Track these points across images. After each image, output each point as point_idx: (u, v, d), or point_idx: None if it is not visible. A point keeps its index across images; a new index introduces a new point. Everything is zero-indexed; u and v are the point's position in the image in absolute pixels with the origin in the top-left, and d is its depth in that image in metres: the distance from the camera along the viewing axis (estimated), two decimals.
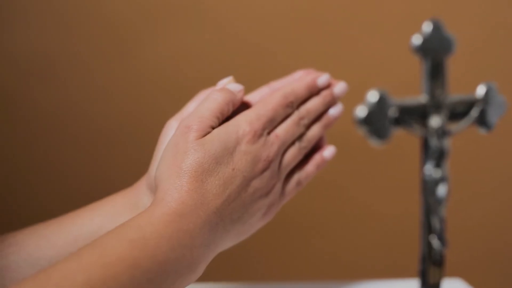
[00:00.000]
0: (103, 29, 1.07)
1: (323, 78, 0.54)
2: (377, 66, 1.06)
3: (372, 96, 0.31)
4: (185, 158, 0.46)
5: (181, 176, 0.46)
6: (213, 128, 0.48)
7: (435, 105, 0.32)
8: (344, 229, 1.18)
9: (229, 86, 0.52)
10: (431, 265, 0.34)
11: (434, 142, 0.32)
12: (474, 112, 0.33)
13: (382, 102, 0.31)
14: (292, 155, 0.51)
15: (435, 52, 0.32)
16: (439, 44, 0.32)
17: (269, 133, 0.49)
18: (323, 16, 1.06)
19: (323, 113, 0.54)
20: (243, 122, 0.48)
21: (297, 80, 0.54)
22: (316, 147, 0.55)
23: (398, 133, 0.33)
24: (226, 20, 1.06)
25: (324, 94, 0.54)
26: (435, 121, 0.32)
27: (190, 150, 0.46)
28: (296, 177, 0.53)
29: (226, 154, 0.47)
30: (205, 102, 0.49)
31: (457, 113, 0.33)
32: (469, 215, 1.19)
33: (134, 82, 1.06)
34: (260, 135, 0.48)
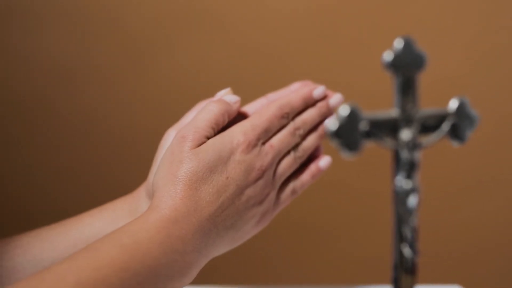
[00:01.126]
0: (121, 40, 1.10)
1: (319, 90, 0.55)
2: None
3: (343, 110, 0.33)
4: (180, 166, 0.48)
5: (176, 183, 0.48)
6: (208, 138, 0.50)
7: (405, 119, 0.34)
8: (354, 232, 1.19)
9: (225, 98, 0.54)
10: (403, 273, 0.35)
11: (404, 154, 0.34)
12: (445, 126, 0.35)
13: (352, 116, 0.33)
14: (287, 164, 0.53)
15: (406, 68, 0.33)
16: (410, 61, 0.33)
17: (264, 143, 0.51)
18: (338, 24, 1.08)
19: (319, 124, 0.56)
20: (238, 133, 0.50)
21: (294, 92, 0.56)
22: (313, 157, 0.57)
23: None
24: (241, 31, 1.08)
25: (320, 105, 0.56)
26: (405, 134, 0.33)
27: (185, 159, 0.48)
28: (291, 185, 0.55)
29: (220, 163, 0.48)
30: (201, 113, 0.51)
31: (428, 126, 0.35)
32: (468, 221, 1.19)
33: (150, 91, 1.09)
34: (255, 145, 0.50)
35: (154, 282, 0.44)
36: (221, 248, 0.51)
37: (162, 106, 1.10)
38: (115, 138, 1.12)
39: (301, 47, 1.08)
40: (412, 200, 0.34)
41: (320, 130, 0.56)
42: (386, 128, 0.34)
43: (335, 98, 0.56)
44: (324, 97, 0.56)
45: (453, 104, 0.35)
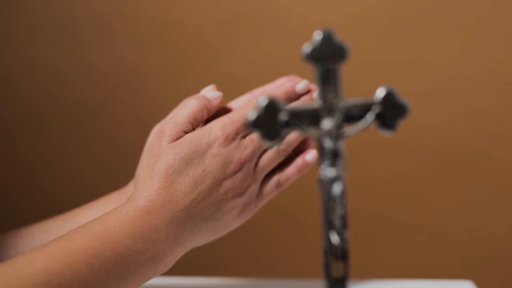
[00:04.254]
0: (181, 43, 1.16)
1: (302, 84, 0.57)
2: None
3: (262, 101, 0.34)
4: (158, 160, 0.51)
5: (153, 176, 0.51)
6: (186, 132, 0.53)
7: (327, 109, 0.35)
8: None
9: (207, 94, 0.56)
10: (333, 260, 0.36)
11: (327, 143, 0.34)
12: (370, 115, 0.35)
13: (271, 107, 0.34)
14: (269, 157, 0.54)
15: (326, 60, 0.34)
16: (330, 52, 0.34)
17: (244, 137, 0.53)
18: (388, 22, 1.10)
19: None
20: (216, 127, 0.52)
21: (277, 87, 0.57)
22: (301, 150, 0.58)
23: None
24: (297, 30, 1.11)
25: (304, 99, 0.57)
26: (326, 124, 0.34)
27: (162, 153, 0.51)
28: (276, 178, 0.56)
29: (196, 157, 0.51)
30: (180, 109, 0.54)
31: (353, 116, 0.35)
32: (481, 218, 1.16)
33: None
34: (233, 139, 0.52)
35: (123, 268, 0.47)
36: (201, 238, 0.53)
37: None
38: None
39: (360, 45, 1.10)
40: (336, 188, 0.34)
41: None
42: (307, 118, 0.35)
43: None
44: (307, 91, 0.57)
45: (379, 94, 0.36)
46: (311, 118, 0.35)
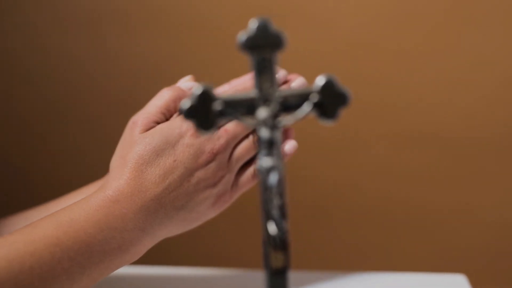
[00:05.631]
0: (202, 36, 1.18)
1: (279, 75, 0.56)
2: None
3: (196, 89, 0.34)
4: (129, 151, 0.51)
5: (124, 166, 0.51)
6: (158, 123, 0.53)
7: (263, 99, 0.34)
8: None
9: (182, 85, 0.56)
10: (271, 250, 0.35)
11: (263, 133, 0.34)
12: (307, 105, 0.35)
13: (205, 96, 0.34)
14: (244, 148, 0.54)
15: (261, 49, 0.34)
16: (266, 41, 0.34)
17: (218, 128, 0.53)
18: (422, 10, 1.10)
19: None
20: None
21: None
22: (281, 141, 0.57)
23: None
24: (319, 22, 1.11)
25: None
26: (262, 113, 0.34)
27: (134, 144, 0.52)
28: (252, 169, 0.56)
29: (167, 147, 0.51)
30: (154, 99, 0.55)
31: (291, 105, 0.35)
32: (476, 214, 1.15)
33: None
34: None
35: (87, 257, 0.47)
36: (174, 228, 0.53)
37: None
38: None
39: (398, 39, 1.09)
40: (273, 178, 0.34)
41: None
42: (243, 108, 0.34)
43: (297, 81, 0.57)
44: (285, 82, 0.57)
45: (318, 82, 0.35)
46: (246, 107, 0.34)
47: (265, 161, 0.34)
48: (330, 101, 0.35)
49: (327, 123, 0.36)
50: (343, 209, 1.20)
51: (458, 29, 1.09)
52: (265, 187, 0.34)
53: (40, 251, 0.45)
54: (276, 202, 0.35)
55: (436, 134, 1.12)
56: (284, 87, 0.56)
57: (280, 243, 0.35)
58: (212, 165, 0.52)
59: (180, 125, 0.52)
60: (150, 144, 0.51)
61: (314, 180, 1.18)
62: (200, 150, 0.51)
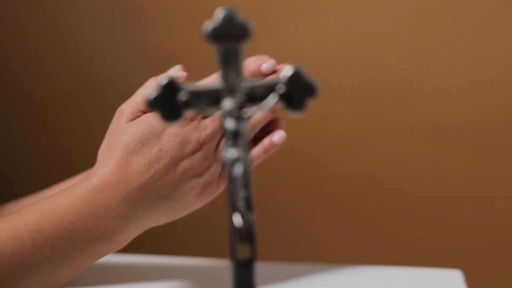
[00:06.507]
0: None
1: (267, 64, 0.56)
2: None
3: (161, 80, 0.33)
4: (115, 139, 0.52)
5: (110, 155, 0.51)
6: (145, 112, 0.53)
7: (228, 89, 0.34)
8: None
9: (170, 74, 0.56)
10: (237, 242, 0.35)
11: (228, 124, 0.34)
12: (272, 96, 0.35)
13: (170, 86, 0.33)
14: None
15: (227, 39, 0.34)
16: (232, 31, 0.34)
17: (205, 117, 0.53)
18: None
19: None
20: None
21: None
22: (270, 131, 0.57)
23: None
24: (336, 12, 1.13)
25: (269, 79, 0.56)
26: (227, 104, 0.34)
27: (120, 133, 0.52)
28: None
29: (153, 136, 0.51)
30: (141, 89, 0.55)
31: (257, 96, 0.35)
32: (474, 209, 1.15)
33: None
34: (192, 119, 0.52)
35: (69, 245, 0.48)
36: (160, 217, 0.53)
37: None
38: None
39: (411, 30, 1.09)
40: (237, 170, 0.34)
41: None
42: (208, 98, 0.34)
43: (285, 71, 0.56)
44: (274, 72, 0.56)
45: (285, 73, 0.35)
46: (212, 98, 0.34)
47: (230, 153, 0.34)
48: (297, 92, 0.35)
49: (294, 115, 0.36)
50: (345, 204, 1.20)
51: (477, 17, 1.08)
52: (230, 179, 0.34)
53: (21, 238, 0.46)
54: (241, 193, 0.35)
55: (450, 127, 1.12)
56: (272, 77, 0.56)
57: (245, 235, 0.35)
58: (198, 155, 0.52)
59: None
60: (135, 133, 0.51)
61: (323, 174, 1.18)
62: (186, 140, 0.51)
